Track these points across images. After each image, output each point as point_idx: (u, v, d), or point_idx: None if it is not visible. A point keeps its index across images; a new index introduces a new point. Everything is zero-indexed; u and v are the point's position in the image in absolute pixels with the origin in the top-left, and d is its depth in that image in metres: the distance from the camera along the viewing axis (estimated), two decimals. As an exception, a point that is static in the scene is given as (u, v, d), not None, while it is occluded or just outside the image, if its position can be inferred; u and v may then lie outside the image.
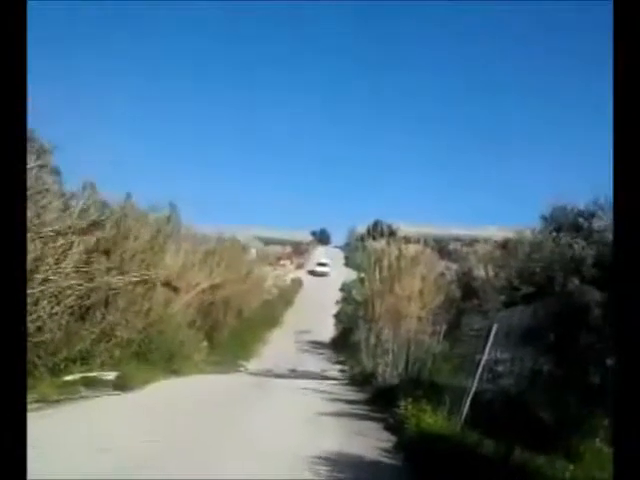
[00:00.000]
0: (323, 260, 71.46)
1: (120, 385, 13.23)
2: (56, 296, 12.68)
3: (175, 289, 19.04)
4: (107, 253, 15.41)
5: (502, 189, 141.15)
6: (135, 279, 15.92)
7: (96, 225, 14.63)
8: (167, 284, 18.28)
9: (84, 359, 13.71)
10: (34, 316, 11.68)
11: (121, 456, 7.38)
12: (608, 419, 8.22)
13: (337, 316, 44.44)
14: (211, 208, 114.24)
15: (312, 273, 68.37)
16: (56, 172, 14.96)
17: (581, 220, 13.10)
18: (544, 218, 16.03)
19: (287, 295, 54.12)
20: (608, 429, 8.09)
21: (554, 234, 14.99)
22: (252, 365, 26.81)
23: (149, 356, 17.14)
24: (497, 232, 38.99)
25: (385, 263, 26.20)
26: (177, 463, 7.37)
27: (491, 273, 24.00)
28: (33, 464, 5.99)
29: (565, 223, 14.14)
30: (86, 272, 13.88)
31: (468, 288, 23.90)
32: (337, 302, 48.53)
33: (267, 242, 76.10)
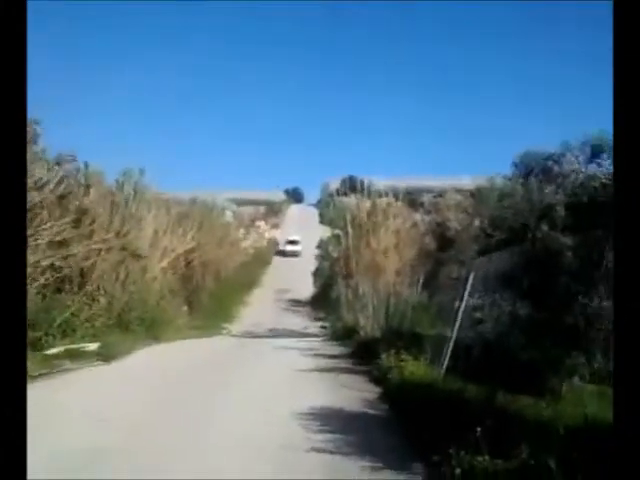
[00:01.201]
0: (293, 237, 61.70)
1: (104, 355, 13.16)
2: (30, 270, 12.53)
3: (139, 257, 18.66)
4: (76, 223, 15.13)
5: (475, 138, 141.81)
6: (100, 246, 15.74)
7: (63, 198, 14.42)
8: (129, 251, 17.92)
9: (65, 332, 13.60)
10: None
11: (118, 423, 7.50)
12: (585, 358, 8.48)
13: (315, 273, 44.60)
14: (182, 174, 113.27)
15: (281, 254, 59.34)
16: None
17: (550, 163, 13.18)
18: (514, 164, 16.06)
19: (264, 256, 54.26)
20: (586, 368, 8.35)
21: (522, 180, 15.06)
22: (234, 327, 26.94)
23: (130, 325, 17.07)
24: (470, 182, 39.10)
25: (358, 218, 26.24)
26: (165, 426, 7.45)
27: (464, 222, 24.25)
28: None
29: (535, 167, 14.21)
30: (58, 244, 13.72)
31: (443, 238, 24.16)
32: (315, 258, 48.65)
33: (240, 203, 75.61)
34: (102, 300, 15.88)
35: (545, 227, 10.69)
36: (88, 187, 16.86)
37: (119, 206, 18.82)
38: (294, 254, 57.42)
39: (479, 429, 4.95)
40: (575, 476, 4.06)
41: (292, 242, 60.44)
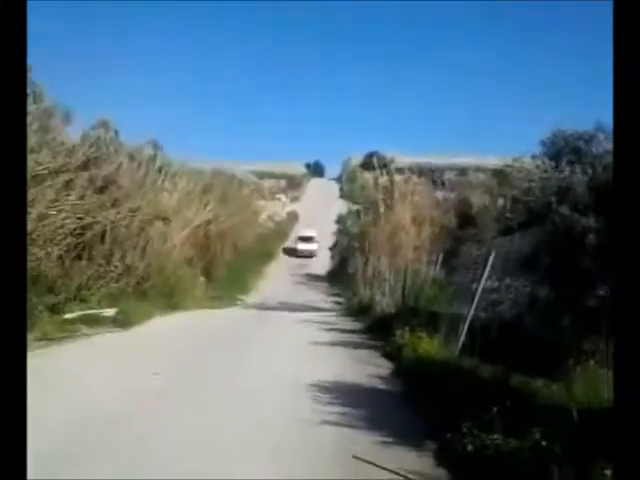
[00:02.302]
0: (307, 232, 47.24)
1: (120, 321, 13.28)
2: (52, 234, 12.63)
3: (164, 219, 18.85)
4: (102, 190, 15.23)
5: (503, 117, 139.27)
6: (124, 214, 15.80)
7: (89, 163, 14.47)
8: (154, 214, 18.13)
9: (83, 297, 13.73)
10: (31, 257, 11.67)
11: (138, 386, 7.69)
12: (603, 342, 8.34)
13: (333, 249, 44.54)
14: (204, 143, 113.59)
15: (292, 253, 46.20)
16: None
17: (581, 143, 12.84)
18: (543, 143, 15.68)
19: (283, 229, 54.15)
20: (603, 351, 8.22)
21: (546, 162, 14.72)
22: (250, 299, 27.06)
23: (148, 293, 17.18)
24: (497, 161, 38.46)
25: (379, 194, 26.06)
26: (181, 393, 7.51)
27: (487, 201, 24.01)
28: (46, 398, 6.16)
29: (565, 148, 13.87)
30: (81, 209, 13.78)
31: (464, 217, 23.97)
32: (333, 234, 48.57)
33: (261, 176, 75.57)
34: (120, 267, 15.96)
35: (566, 209, 10.46)
36: (117, 156, 16.93)
37: (145, 176, 19.00)
38: (309, 255, 45.29)
39: (495, 408, 4.90)
40: (584, 457, 4.01)
41: (306, 239, 46.74)
